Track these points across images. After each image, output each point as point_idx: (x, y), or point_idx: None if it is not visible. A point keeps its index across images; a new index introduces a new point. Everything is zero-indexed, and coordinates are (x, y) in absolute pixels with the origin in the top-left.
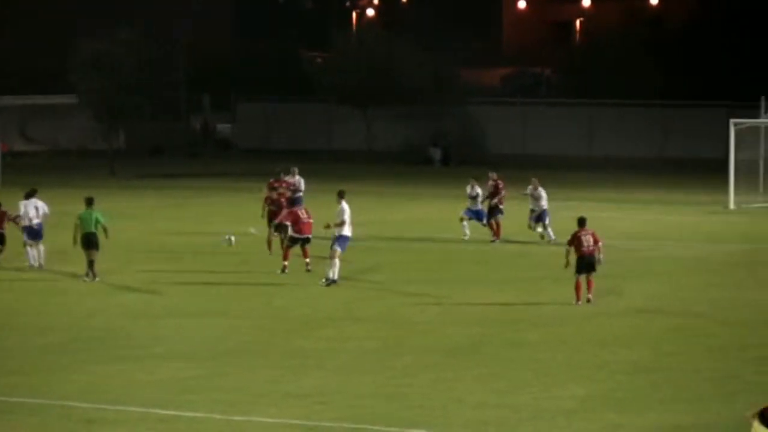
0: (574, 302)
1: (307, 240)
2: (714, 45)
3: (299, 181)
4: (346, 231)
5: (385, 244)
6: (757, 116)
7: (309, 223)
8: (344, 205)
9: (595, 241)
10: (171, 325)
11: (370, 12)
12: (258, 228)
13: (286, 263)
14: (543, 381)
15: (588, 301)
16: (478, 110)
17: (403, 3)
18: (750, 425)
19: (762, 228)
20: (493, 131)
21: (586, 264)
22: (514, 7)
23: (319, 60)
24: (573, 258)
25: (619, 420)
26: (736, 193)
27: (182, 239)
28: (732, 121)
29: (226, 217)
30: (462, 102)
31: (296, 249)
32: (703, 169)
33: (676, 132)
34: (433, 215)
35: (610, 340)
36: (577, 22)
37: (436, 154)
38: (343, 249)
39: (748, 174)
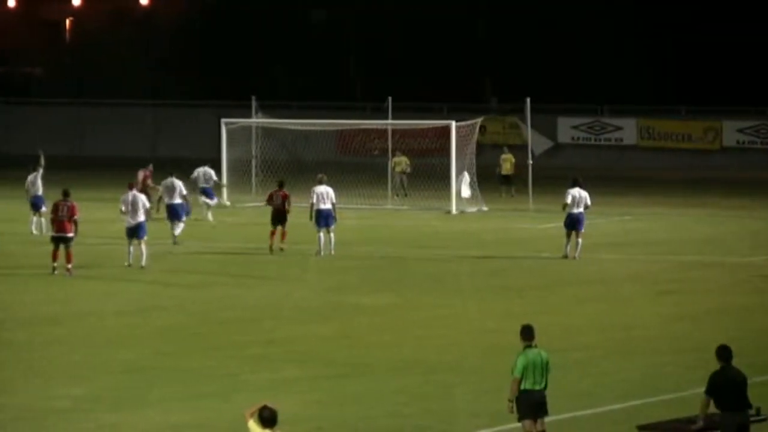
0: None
1: None
2: (204, 45)
3: None
4: None
5: None
6: (248, 116)
7: None
8: None
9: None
10: None
11: None
12: None
13: None
14: (36, 382)
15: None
16: None
17: None
18: (246, 424)
19: (256, 228)
20: None
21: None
22: (3, 5)
23: None
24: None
25: (116, 419)
26: (230, 193)
27: None
28: (223, 120)
29: None
30: None
31: None
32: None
33: (167, 131)
34: None
35: (105, 340)
36: (68, 21)
37: None
38: None
39: (242, 174)
